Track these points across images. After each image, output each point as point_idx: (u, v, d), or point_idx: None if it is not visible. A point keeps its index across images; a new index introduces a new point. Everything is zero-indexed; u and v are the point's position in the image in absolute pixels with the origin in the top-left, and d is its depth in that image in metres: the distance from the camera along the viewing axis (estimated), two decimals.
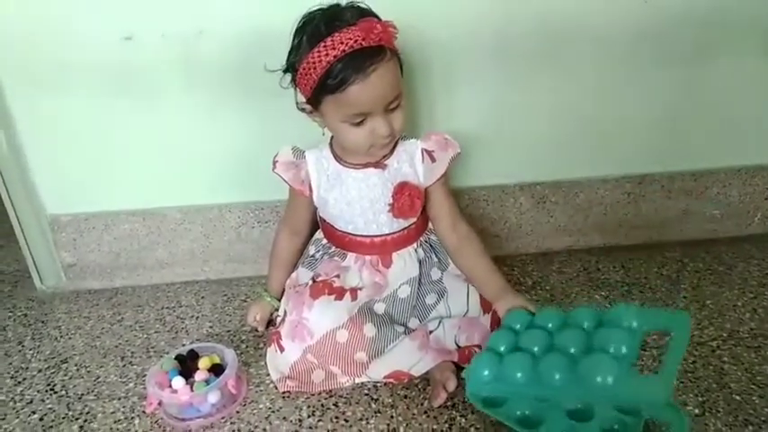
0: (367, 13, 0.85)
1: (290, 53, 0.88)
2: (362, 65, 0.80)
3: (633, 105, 1.23)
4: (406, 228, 1.01)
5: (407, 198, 0.95)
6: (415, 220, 1.01)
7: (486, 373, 0.80)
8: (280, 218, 1.22)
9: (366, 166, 0.97)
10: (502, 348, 0.83)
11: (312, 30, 0.83)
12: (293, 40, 0.87)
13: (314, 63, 0.82)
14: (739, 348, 1.01)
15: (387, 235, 1.00)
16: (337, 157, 0.98)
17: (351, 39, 0.80)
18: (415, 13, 1.06)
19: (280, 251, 1.10)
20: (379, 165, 0.97)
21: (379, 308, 0.98)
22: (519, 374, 0.78)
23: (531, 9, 1.10)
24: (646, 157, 1.30)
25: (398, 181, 0.97)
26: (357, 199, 0.97)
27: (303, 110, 0.93)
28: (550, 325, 0.84)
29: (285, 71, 0.90)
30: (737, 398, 0.90)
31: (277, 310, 1.06)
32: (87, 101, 1.11)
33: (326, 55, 0.80)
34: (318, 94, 0.85)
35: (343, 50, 0.80)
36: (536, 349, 0.80)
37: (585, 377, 0.73)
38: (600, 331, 0.79)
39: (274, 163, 1.00)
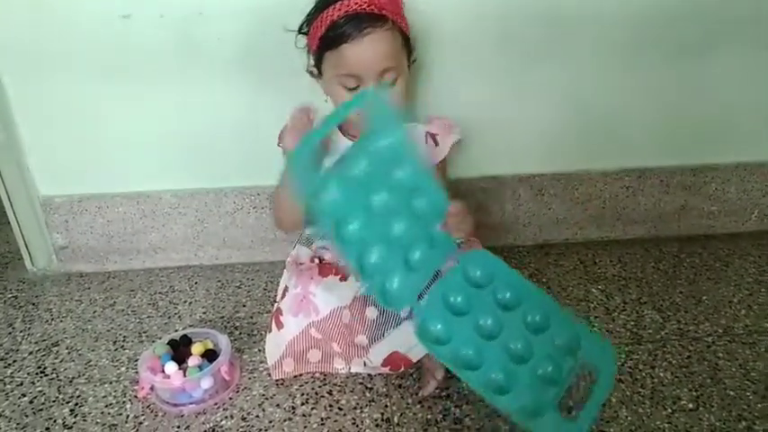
0: None
1: (306, 19, 0.92)
2: (359, 26, 0.85)
3: (634, 98, 1.22)
4: None
5: None
6: None
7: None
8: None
9: None
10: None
11: None
12: (311, 9, 0.91)
13: (321, 21, 0.87)
14: (734, 344, 1.02)
15: None
16: (343, 131, 0.98)
17: (356, 3, 0.85)
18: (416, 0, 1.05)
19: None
20: None
21: None
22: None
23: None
24: (645, 150, 1.29)
25: None
26: None
27: (311, 73, 0.95)
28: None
29: (300, 31, 0.94)
30: (731, 393, 0.91)
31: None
32: (83, 80, 1.09)
33: (332, 15, 0.86)
34: (319, 49, 0.90)
35: (347, 11, 0.85)
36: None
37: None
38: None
39: (280, 136, 0.97)
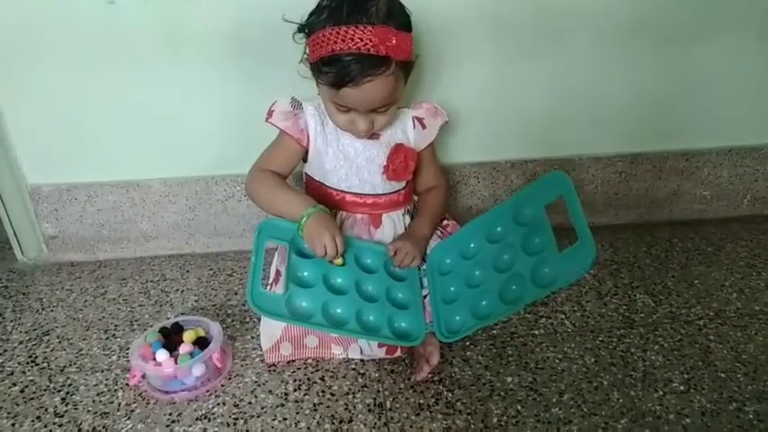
0: (394, 14, 0.82)
1: (312, 12, 0.86)
2: (360, 73, 0.80)
3: (627, 84, 1.22)
4: (396, 191, 1.01)
5: (402, 160, 0.96)
6: (405, 184, 1.02)
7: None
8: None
9: None
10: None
11: (337, 5, 0.81)
12: (315, 10, 0.85)
13: (322, 41, 0.81)
14: (725, 327, 1.02)
15: (379, 195, 1.00)
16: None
17: (361, 41, 0.78)
18: None
19: (275, 179, 0.96)
20: (373, 135, 0.96)
21: None
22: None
23: None
24: (638, 136, 1.29)
25: (394, 143, 0.97)
26: (353, 155, 0.97)
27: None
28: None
29: (300, 28, 0.88)
30: (722, 375, 0.91)
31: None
32: (70, 68, 1.08)
33: (335, 42, 0.79)
34: (316, 70, 0.87)
35: (349, 48, 0.79)
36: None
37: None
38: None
39: (270, 112, 0.95)
